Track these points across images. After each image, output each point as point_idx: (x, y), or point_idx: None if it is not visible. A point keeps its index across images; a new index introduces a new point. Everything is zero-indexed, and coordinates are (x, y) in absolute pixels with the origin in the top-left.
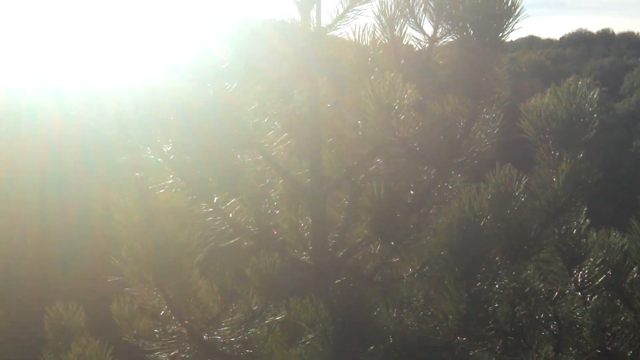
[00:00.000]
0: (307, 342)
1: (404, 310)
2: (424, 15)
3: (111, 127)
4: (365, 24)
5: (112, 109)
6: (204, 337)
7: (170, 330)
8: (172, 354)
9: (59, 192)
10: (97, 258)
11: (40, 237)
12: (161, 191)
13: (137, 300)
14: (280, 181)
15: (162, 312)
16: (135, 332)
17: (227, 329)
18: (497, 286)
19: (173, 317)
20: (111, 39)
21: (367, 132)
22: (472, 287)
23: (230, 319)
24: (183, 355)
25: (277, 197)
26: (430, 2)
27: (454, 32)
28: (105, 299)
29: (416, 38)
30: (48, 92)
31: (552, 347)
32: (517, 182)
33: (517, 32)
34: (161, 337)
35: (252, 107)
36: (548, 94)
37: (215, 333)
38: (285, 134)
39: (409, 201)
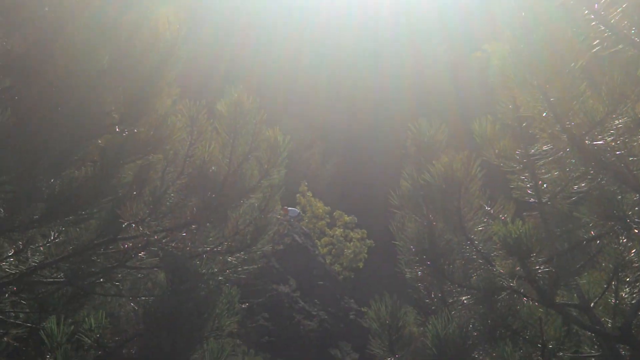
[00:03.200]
0: None
1: None
2: None
3: None
4: None
5: None
6: (586, 142)
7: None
8: (541, 162)
9: None
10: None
11: None
12: None
13: (498, 120)
14: None
15: (544, 114)
16: (496, 151)
17: (610, 134)
18: None
19: (554, 121)
20: None
21: None
22: None
23: (615, 123)
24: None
25: None
26: None
27: None
28: (464, 117)
29: None
30: None
31: None
32: None
33: None
34: (522, 157)
35: None
36: None
37: (598, 138)
38: None
39: None
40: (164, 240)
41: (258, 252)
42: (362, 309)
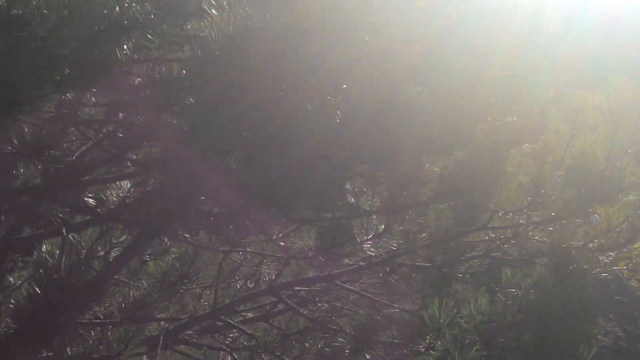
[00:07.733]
0: None
1: None
2: None
3: None
4: None
5: None
6: None
7: None
8: None
9: None
10: None
11: None
12: None
13: None
14: None
15: None
16: None
17: None
18: None
19: None
20: None
21: None
22: None
23: None
24: None
25: None
26: None
27: None
28: None
29: None
30: None
31: None
32: None
33: None
34: None
35: None
36: None
37: None
38: None
39: None
40: (530, 233)
41: (634, 252)
42: None
